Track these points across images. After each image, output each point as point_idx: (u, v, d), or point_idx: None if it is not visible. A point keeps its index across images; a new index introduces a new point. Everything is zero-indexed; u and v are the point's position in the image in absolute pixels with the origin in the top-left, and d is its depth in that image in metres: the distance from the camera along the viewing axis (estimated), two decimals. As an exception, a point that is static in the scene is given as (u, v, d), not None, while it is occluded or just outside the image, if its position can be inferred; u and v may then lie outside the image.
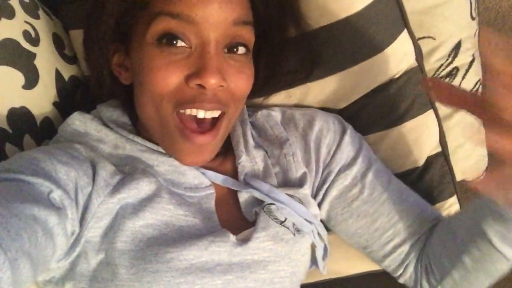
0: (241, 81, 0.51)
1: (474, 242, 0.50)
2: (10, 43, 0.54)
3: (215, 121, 0.52)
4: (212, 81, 0.47)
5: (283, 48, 0.60)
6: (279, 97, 0.68)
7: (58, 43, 0.65)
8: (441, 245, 0.56)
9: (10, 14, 0.55)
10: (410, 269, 0.60)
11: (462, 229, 0.53)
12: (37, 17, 0.61)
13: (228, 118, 0.53)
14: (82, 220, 0.48)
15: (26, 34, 0.57)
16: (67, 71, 0.65)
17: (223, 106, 0.51)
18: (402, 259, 0.60)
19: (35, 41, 0.59)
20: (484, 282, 0.53)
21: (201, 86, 0.48)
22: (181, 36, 0.48)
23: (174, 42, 0.48)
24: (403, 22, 0.66)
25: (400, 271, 0.61)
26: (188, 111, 0.49)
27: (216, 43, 0.49)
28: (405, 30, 0.66)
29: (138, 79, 0.52)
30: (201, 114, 0.50)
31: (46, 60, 0.60)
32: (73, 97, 0.66)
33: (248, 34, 0.51)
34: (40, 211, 0.41)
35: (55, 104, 0.61)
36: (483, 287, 0.54)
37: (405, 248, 0.59)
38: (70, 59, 0.67)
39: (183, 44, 0.49)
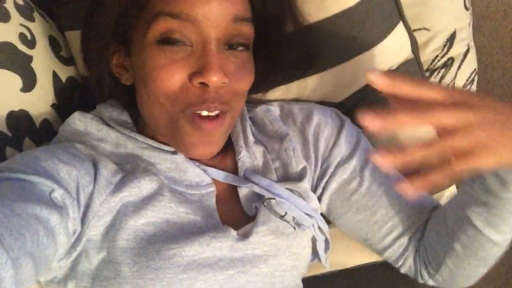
0: (242, 77, 0.52)
1: (462, 228, 0.52)
2: (6, 46, 0.55)
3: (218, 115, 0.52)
4: (214, 79, 0.47)
5: (281, 43, 0.61)
6: (277, 93, 0.68)
7: (54, 45, 0.65)
8: (435, 234, 0.57)
9: (5, 17, 0.56)
10: (410, 260, 0.61)
11: (451, 217, 0.54)
12: (32, 19, 0.61)
13: (232, 112, 0.53)
14: (84, 219, 0.48)
15: (22, 37, 0.57)
16: (64, 73, 0.65)
17: (226, 106, 0.51)
18: (401, 251, 0.61)
19: (31, 44, 0.59)
20: (478, 268, 0.55)
21: (204, 84, 0.48)
22: (182, 35, 0.48)
23: (175, 41, 0.49)
24: (399, 15, 0.66)
25: (400, 262, 0.62)
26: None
27: (217, 41, 0.49)
28: (401, 23, 0.66)
29: (140, 79, 0.52)
30: (204, 113, 0.50)
31: (43, 62, 0.61)
32: (71, 98, 0.66)
33: (248, 31, 0.52)
34: (42, 211, 0.41)
35: (53, 106, 0.61)
36: (478, 273, 0.56)
37: (404, 240, 0.60)
38: (67, 61, 0.67)
39: (184, 43, 0.49)
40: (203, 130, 0.50)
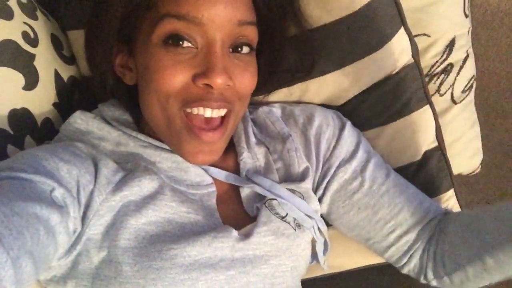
0: (246, 79, 0.52)
1: (502, 247, 0.49)
2: (9, 44, 0.54)
3: (222, 119, 0.52)
4: (219, 81, 0.48)
5: (283, 46, 0.61)
6: (278, 95, 0.68)
7: (57, 44, 0.65)
8: (461, 240, 0.56)
9: (8, 15, 0.55)
10: (415, 258, 0.61)
11: (490, 230, 0.52)
12: (35, 18, 0.61)
13: (235, 115, 0.53)
14: (84, 218, 0.48)
15: (25, 35, 0.57)
16: (66, 72, 0.65)
17: (229, 104, 0.51)
18: (406, 249, 0.61)
19: (34, 42, 0.59)
20: (496, 280, 0.53)
21: (208, 85, 0.49)
22: (188, 37, 0.49)
23: (180, 43, 0.49)
24: (401, 20, 0.67)
25: (404, 261, 0.62)
26: (195, 110, 0.50)
27: (222, 43, 0.49)
28: (402, 28, 0.67)
29: (144, 79, 0.52)
30: (208, 113, 0.50)
31: (45, 61, 0.60)
32: (72, 97, 0.66)
33: (252, 34, 0.52)
34: (42, 210, 0.41)
35: (54, 105, 0.61)
36: (489, 283, 0.55)
37: (409, 237, 0.60)
38: (69, 60, 0.67)
39: (189, 45, 0.49)
40: (201, 140, 0.50)
